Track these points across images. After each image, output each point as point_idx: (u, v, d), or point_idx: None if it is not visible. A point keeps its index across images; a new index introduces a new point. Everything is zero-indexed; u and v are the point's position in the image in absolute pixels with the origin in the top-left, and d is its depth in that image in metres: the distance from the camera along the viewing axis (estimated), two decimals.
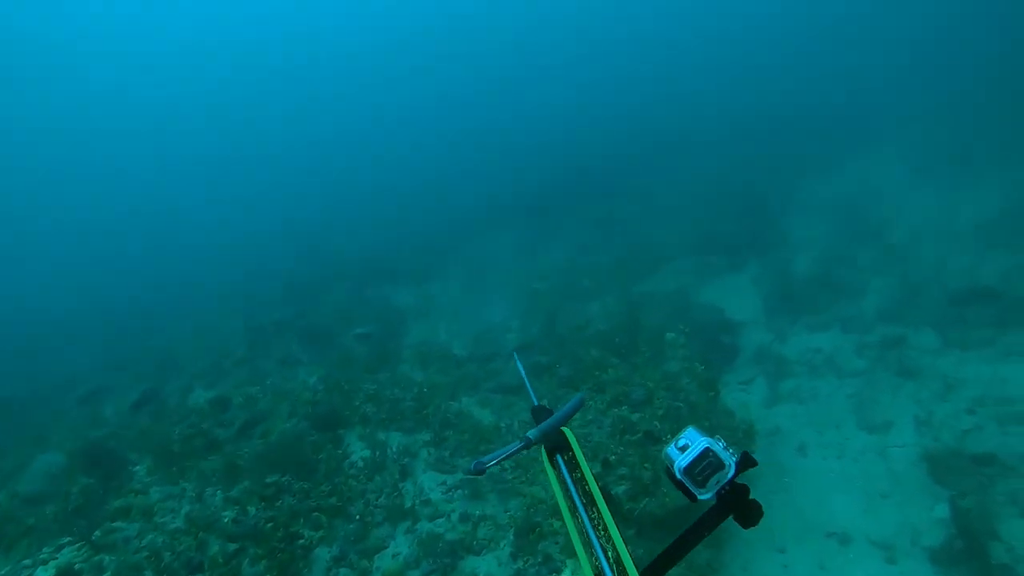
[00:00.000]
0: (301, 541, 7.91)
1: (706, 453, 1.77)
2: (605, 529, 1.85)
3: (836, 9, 39.10)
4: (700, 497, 1.77)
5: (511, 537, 7.85)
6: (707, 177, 21.90)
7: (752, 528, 1.76)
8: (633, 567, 1.70)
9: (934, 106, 22.04)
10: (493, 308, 16.55)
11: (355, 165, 44.98)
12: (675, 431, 1.90)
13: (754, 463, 1.79)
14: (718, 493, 1.76)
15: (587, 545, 1.82)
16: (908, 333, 11.75)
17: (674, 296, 15.41)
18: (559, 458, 2.24)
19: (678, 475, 1.76)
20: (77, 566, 7.79)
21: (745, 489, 1.78)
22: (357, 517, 8.45)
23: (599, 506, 1.94)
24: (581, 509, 1.95)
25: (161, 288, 26.15)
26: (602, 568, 1.72)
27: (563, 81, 49.11)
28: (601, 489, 2.03)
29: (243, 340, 16.07)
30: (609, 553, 1.77)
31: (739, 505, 1.77)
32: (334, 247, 25.79)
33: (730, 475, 1.76)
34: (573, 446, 2.26)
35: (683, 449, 1.80)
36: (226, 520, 8.26)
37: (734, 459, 1.78)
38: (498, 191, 27.48)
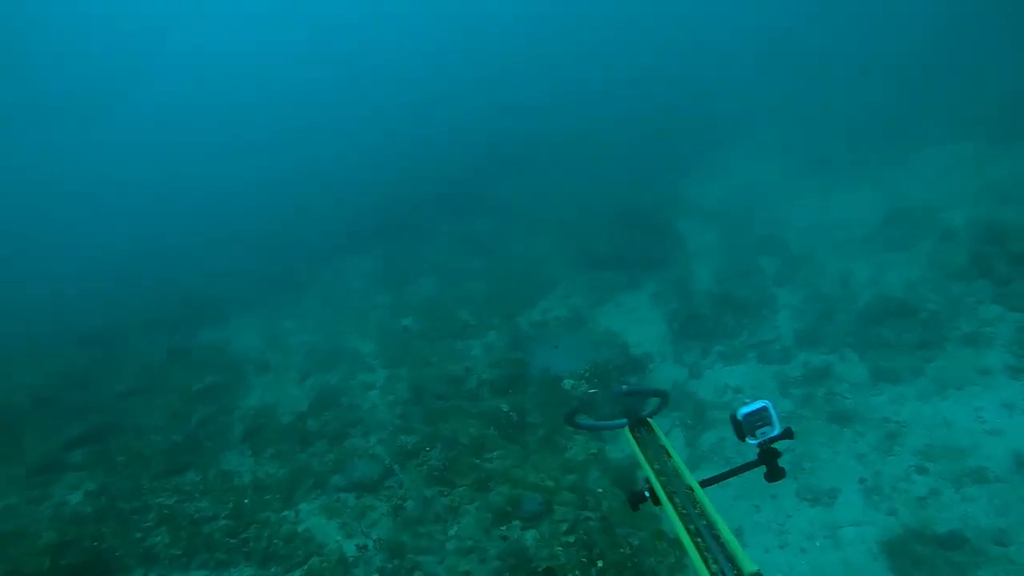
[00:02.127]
0: None
1: (763, 409, 2.16)
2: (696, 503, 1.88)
3: (710, 9, 38.80)
4: (747, 440, 2.16)
5: None
6: (589, 185, 19.95)
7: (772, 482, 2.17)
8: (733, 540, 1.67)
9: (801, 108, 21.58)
10: (352, 356, 13.57)
11: (189, 177, 38.81)
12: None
13: (792, 436, 2.19)
14: (759, 444, 2.16)
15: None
16: (832, 362, 10.19)
17: (567, 325, 13.24)
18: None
19: (738, 417, 2.15)
20: None
21: (779, 453, 2.18)
22: None
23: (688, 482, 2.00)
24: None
25: None
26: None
27: (421, 79, 45.43)
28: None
29: None
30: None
31: (770, 462, 2.17)
32: (151, 281, 21.50)
33: (773, 433, 2.16)
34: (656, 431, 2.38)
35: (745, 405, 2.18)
36: None
37: (780, 426, 2.17)
38: (353, 208, 24.08)
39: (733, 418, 2.17)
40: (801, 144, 18.67)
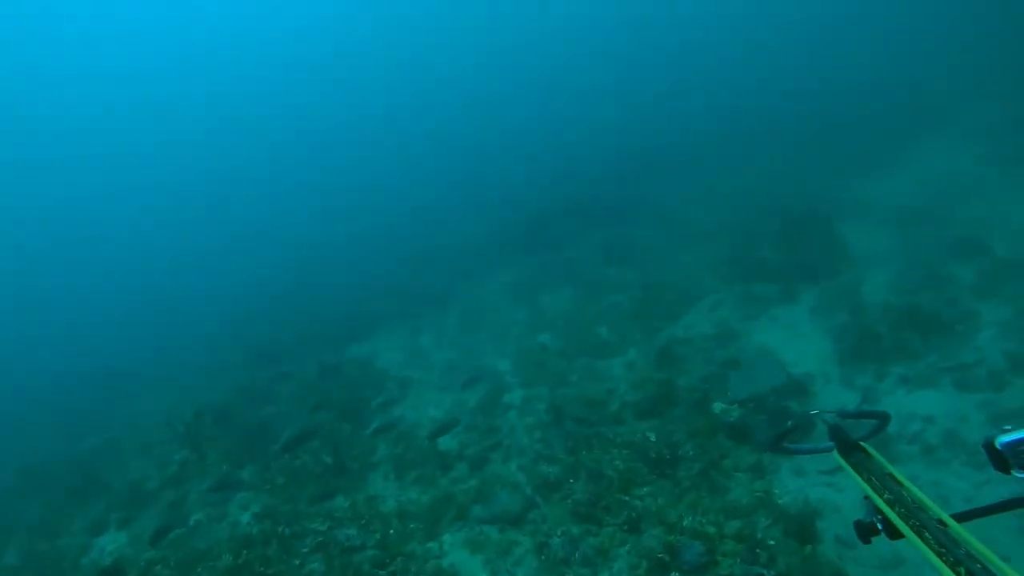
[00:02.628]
0: None
1: None
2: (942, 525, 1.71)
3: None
4: (1014, 473, 1.84)
5: None
6: (736, 189, 18.52)
7: None
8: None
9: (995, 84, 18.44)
10: (490, 374, 13.44)
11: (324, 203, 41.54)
12: None
13: None
14: None
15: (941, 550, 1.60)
16: None
17: (715, 342, 12.18)
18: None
19: (998, 446, 1.84)
20: None
21: None
22: None
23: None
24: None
25: None
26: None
27: (555, 91, 44.97)
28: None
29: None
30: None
31: None
32: (297, 302, 22.92)
33: None
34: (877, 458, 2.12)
35: (1006, 433, 1.87)
36: None
37: None
38: (490, 221, 24.22)
39: (989, 447, 1.88)
40: (1006, 129, 15.98)
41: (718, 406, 9.89)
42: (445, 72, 56.20)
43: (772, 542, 6.11)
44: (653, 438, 8.45)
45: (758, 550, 6.06)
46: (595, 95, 37.19)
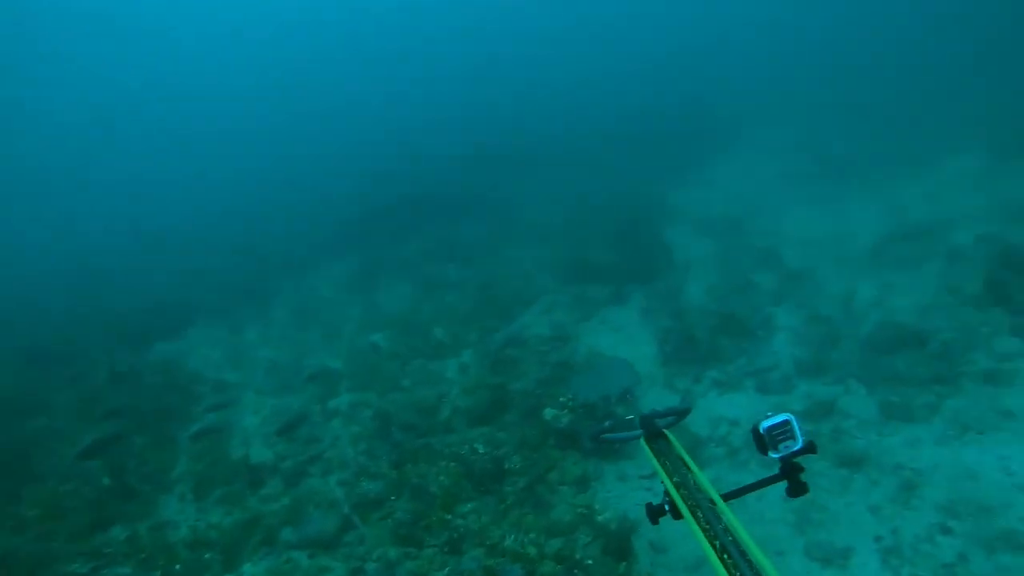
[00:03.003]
0: None
1: (786, 422, 2.06)
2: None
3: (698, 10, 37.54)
4: (769, 454, 2.06)
5: None
6: (580, 188, 18.87)
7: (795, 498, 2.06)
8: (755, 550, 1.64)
9: (804, 108, 20.63)
10: (317, 376, 12.49)
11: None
12: None
13: (815, 451, 2.07)
14: (782, 458, 2.06)
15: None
16: (837, 394, 9.31)
17: (550, 344, 12.25)
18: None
19: (760, 430, 2.06)
20: None
21: (801, 468, 2.07)
22: None
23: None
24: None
25: None
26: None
27: (401, 86, 43.55)
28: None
29: None
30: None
31: (793, 477, 2.07)
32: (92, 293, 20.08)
33: (795, 447, 2.05)
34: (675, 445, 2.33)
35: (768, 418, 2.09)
36: None
37: (803, 439, 2.07)
38: (328, 213, 22.77)
39: (755, 431, 2.11)
40: (802, 148, 17.83)
41: (549, 412, 9.89)
42: (285, 59, 52.60)
43: (590, 561, 6.05)
44: (481, 450, 8.18)
45: (576, 571, 5.98)
46: (443, 92, 36.43)
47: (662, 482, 2.10)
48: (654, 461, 2.25)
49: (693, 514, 1.82)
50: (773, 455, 2.07)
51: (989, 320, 9.35)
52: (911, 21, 24.89)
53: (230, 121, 44.75)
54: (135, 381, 12.94)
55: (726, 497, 1.95)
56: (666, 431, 2.41)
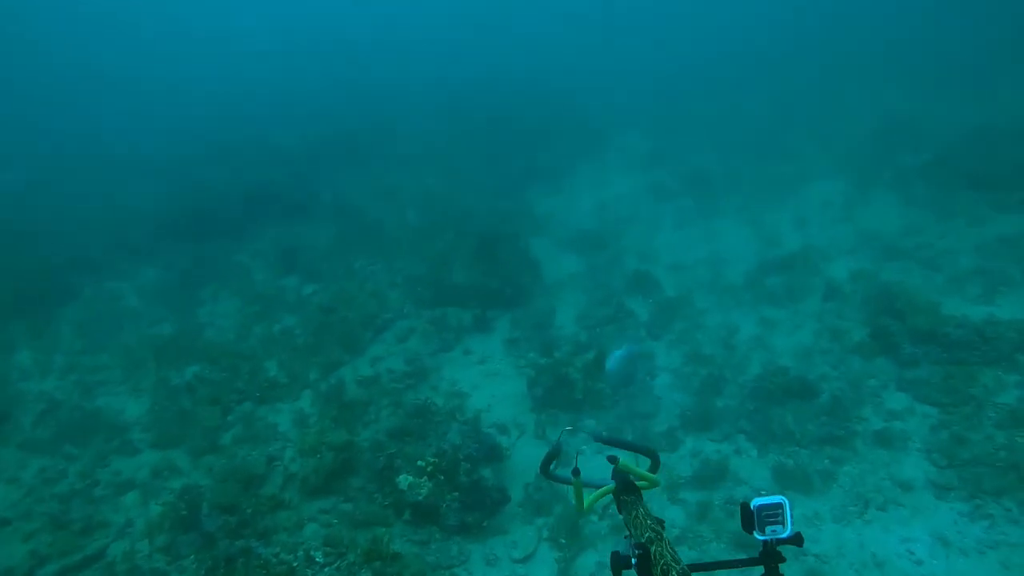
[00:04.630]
0: None
1: (779, 505, 2.03)
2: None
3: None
4: (754, 534, 2.04)
5: None
6: (432, 192, 17.04)
7: None
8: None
9: (677, 119, 20.38)
10: (109, 426, 9.85)
11: None
12: None
13: (801, 544, 2.04)
14: (765, 541, 2.01)
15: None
16: (727, 455, 8.46)
17: (405, 382, 10.61)
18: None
19: (751, 507, 2.04)
20: None
21: (783, 559, 2.00)
22: None
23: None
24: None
25: None
26: None
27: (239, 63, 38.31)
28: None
29: None
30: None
31: (771, 566, 2.00)
32: None
33: (783, 535, 2.01)
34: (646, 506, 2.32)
35: (761, 495, 2.08)
36: None
37: (791, 528, 2.03)
38: (138, 197, 18.96)
39: (744, 507, 2.07)
40: (672, 160, 17.43)
41: (405, 479, 8.33)
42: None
43: None
44: (319, 559, 6.42)
45: None
46: (291, 74, 32.32)
47: (627, 536, 2.09)
48: (627, 517, 2.23)
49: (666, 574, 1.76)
50: (758, 536, 2.04)
51: (876, 372, 9.15)
52: (786, 38, 25.76)
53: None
54: None
55: (694, 568, 1.94)
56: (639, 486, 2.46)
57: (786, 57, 22.56)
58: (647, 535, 1.97)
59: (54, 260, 15.71)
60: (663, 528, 2.06)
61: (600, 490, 2.57)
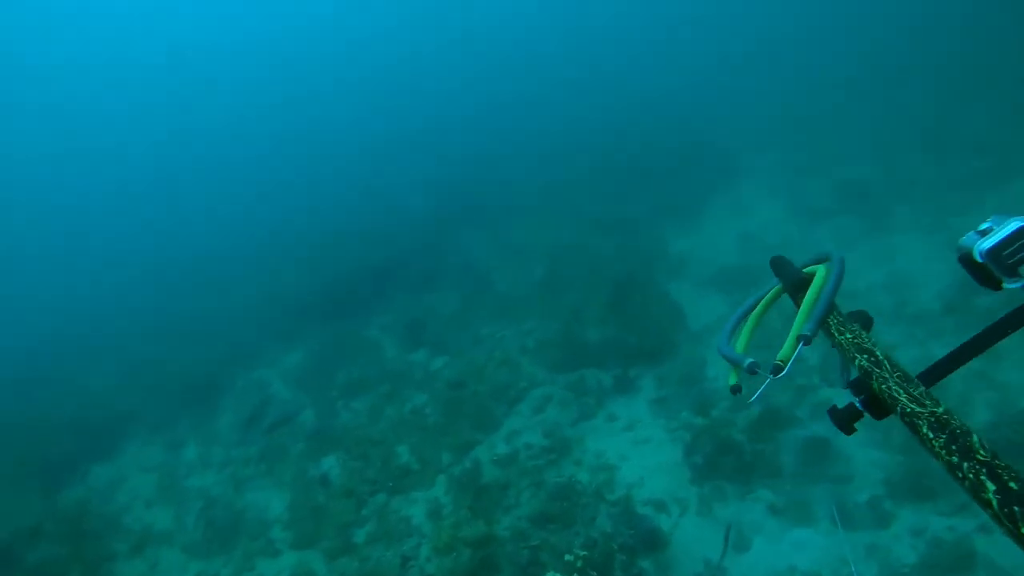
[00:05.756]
0: None
1: (1020, 234, 1.33)
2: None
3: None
4: (1007, 285, 1.38)
5: None
6: (554, 242, 16.11)
7: None
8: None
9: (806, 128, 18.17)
10: (253, 524, 9.75)
11: None
12: None
13: None
14: None
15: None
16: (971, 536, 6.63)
17: (545, 458, 9.56)
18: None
19: (979, 259, 1.37)
20: None
21: None
22: None
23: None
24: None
25: None
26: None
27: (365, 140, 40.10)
28: None
29: None
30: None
31: None
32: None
33: None
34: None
35: (984, 233, 1.38)
36: None
37: None
38: (279, 285, 19.88)
39: (966, 259, 1.41)
40: (820, 172, 15.32)
41: None
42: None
43: None
44: None
45: None
46: (406, 144, 33.28)
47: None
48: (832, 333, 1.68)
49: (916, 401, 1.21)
50: (1013, 285, 1.35)
51: None
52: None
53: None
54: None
55: (924, 379, 1.37)
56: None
57: (950, 33, 19.09)
58: (860, 362, 1.47)
59: (213, 353, 16.73)
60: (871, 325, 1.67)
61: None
